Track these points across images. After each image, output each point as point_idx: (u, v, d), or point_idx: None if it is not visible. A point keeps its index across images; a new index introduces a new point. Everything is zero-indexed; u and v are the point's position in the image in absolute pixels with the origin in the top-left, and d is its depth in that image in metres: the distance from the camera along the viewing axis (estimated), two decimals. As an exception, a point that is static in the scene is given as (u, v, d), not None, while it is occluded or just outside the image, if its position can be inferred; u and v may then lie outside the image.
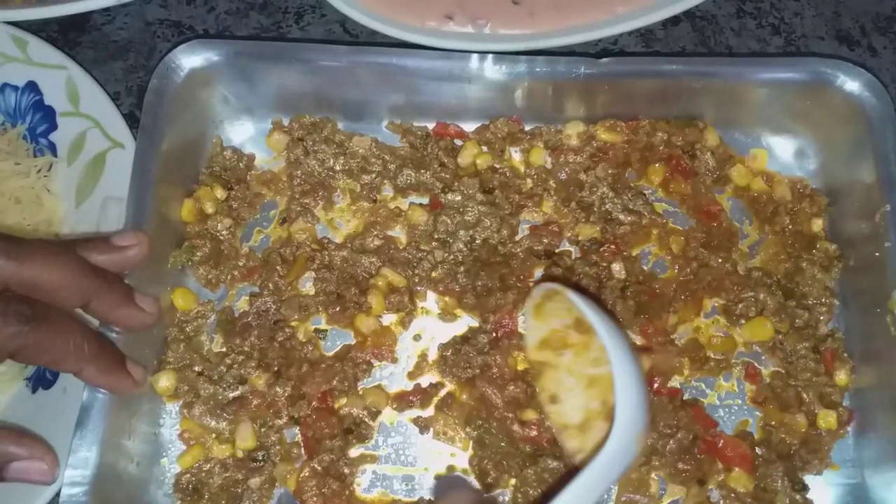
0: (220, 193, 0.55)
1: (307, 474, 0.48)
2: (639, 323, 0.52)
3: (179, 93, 0.53)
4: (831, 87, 0.53)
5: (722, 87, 0.54)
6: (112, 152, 0.54)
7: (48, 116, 0.56)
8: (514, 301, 0.52)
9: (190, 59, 0.53)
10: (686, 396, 0.51)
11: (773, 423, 0.50)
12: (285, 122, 0.57)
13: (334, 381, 0.50)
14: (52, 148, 0.56)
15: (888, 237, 0.49)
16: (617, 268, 0.52)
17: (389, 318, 0.53)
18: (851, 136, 0.53)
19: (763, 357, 0.52)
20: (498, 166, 0.56)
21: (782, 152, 0.57)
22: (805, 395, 0.50)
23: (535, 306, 0.50)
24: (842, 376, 0.50)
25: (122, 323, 0.46)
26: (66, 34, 0.62)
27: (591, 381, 0.46)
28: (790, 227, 0.55)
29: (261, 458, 0.49)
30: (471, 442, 0.50)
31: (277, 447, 0.49)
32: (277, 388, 0.50)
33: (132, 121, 0.56)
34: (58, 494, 0.44)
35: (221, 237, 0.54)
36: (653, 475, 0.49)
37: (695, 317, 0.53)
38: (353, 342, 0.52)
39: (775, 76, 0.54)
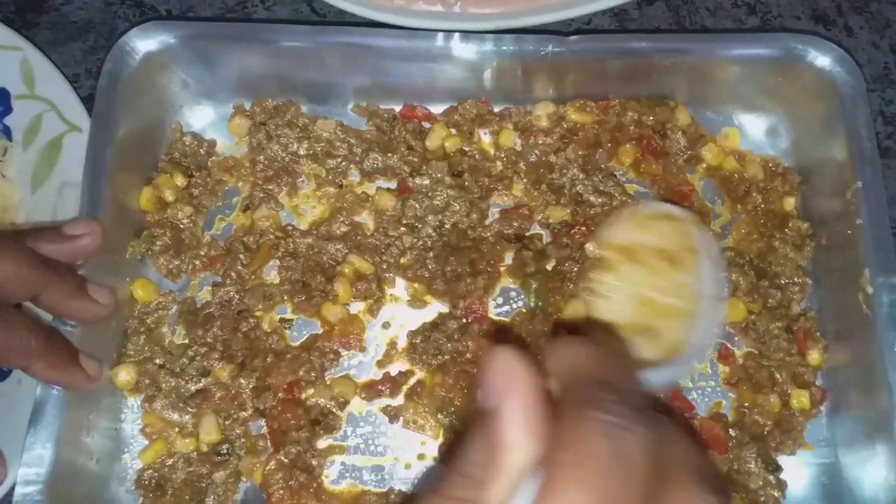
0: (180, 181, 0.53)
1: (273, 467, 0.47)
2: None
3: (135, 77, 0.51)
4: (802, 63, 0.52)
5: (693, 64, 0.53)
6: (69, 136, 0.53)
7: (3, 99, 0.54)
8: (484, 286, 0.51)
9: (145, 42, 0.51)
10: (659, 379, 0.50)
11: (747, 404, 0.49)
12: (247, 106, 0.56)
13: (300, 372, 0.49)
14: (7, 132, 0.54)
15: (860, 214, 0.49)
16: (590, 247, 0.51)
17: (357, 307, 0.52)
18: (823, 113, 0.52)
19: (736, 338, 0.52)
20: (467, 149, 0.55)
21: (754, 131, 0.56)
22: (778, 376, 0.50)
23: (644, 217, 0.48)
24: (814, 356, 0.50)
25: (75, 315, 0.44)
26: (24, 15, 0.60)
27: (642, 301, 0.45)
28: (762, 206, 0.54)
29: (225, 451, 0.48)
30: (442, 429, 0.49)
31: (242, 440, 0.48)
32: (242, 380, 0.49)
33: (92, 104, 0.54)
34: (12, 492, 0.42)
35: (182, 226, 0.53)
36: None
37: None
38: (320, 331, 0.51)
39: (746, 52, 0.53)
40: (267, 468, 0.47)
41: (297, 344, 0.51)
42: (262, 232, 0.53)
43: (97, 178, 0.48)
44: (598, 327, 0.45)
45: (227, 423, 0.48)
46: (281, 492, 0.46)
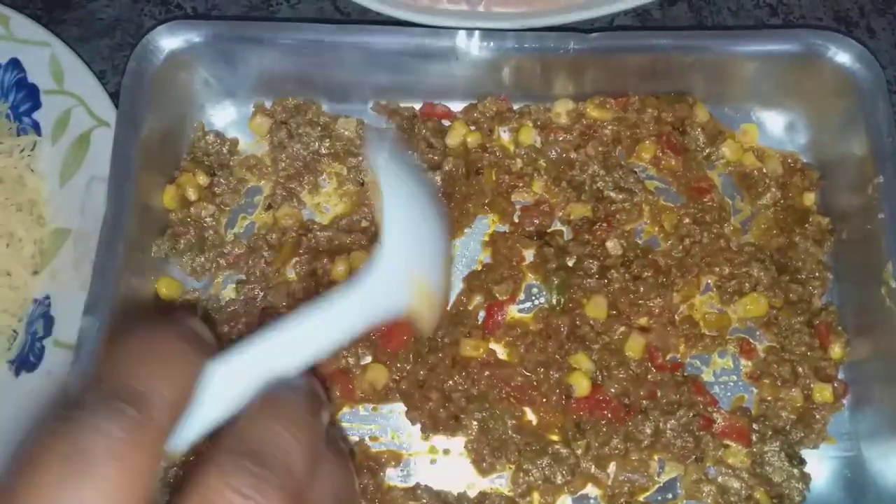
0: (202, 179, 0.53)
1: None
2: (648, 301, 0.51)
3: (159, 76, 0.52)
4: (821, 59, 0.52)
5: (711, 61, 0.54)
6: (97, 131, 0.53)
7: (32, 94, 0.55)
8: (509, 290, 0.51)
9: (169, 40, 0.52)
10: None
11: (769, 398, 0.50)
12: (268, 104, 0.56)
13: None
14: (36, 126, 0.54)
15: (881, 209, 0.49)
16: (611, 244, 0.52)
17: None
18: (842, 109, 0.53)
19: (758, 332, 0.52)
20: (487, 146, 0.55)
21: (773, 127, 0.57)
22: (800, 370, 0.50)
23: None
24: (836, 350, 0.50)
25: None
26: (51, 12, 0.60)
27: None
28: (782, 201, 0.54)
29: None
30: (475, 424, 0.48)
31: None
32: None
33: (118, 100, 0.54)
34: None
35: (205, 224, 0.53)
36: (655, 457, 0.48)
37: (696, 294, 0.52)
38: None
39: (765, 48, 0.53)
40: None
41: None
42: (284, 230, 0.53)
43: (123, 179, 0.49)
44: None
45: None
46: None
